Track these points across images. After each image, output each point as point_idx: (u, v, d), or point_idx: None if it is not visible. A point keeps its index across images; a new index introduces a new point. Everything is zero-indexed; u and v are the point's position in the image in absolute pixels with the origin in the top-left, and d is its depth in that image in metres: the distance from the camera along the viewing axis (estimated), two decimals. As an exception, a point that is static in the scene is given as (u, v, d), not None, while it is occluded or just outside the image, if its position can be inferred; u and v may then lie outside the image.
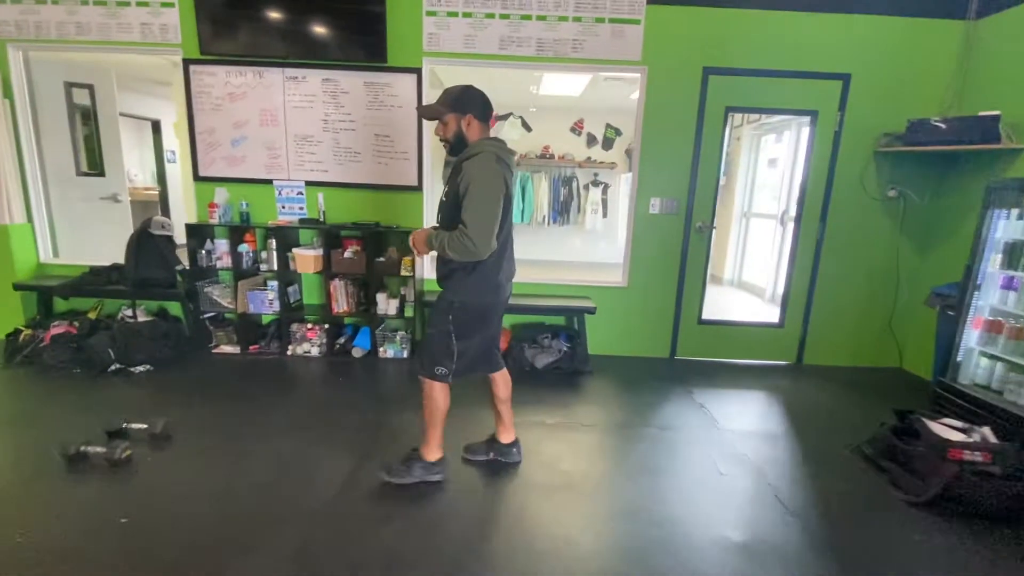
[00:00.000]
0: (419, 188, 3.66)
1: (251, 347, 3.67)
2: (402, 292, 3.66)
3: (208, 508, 1.94)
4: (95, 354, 3.19)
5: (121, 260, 3.61)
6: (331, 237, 3.53)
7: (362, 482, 2.14)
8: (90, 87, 4.08)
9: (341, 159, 3.61)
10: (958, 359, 2.88)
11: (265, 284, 3.58)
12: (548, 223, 7.35)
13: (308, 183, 3.65)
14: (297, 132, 3.58)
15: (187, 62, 3.49)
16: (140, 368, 3.25)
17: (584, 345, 3.57)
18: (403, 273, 3.53)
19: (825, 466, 2.43)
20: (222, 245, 3.61)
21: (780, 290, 5.69)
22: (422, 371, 2.09)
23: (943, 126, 3.10)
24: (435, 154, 3.65)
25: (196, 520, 1.87)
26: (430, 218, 3.74)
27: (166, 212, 7.65)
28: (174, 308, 3.81)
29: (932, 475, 2.19)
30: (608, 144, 7.79)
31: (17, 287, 3.58)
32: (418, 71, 3.48)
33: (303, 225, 3.59)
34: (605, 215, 7.64)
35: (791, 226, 3.80)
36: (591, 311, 3.55)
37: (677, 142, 3.58)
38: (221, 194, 3.57)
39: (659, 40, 3.42)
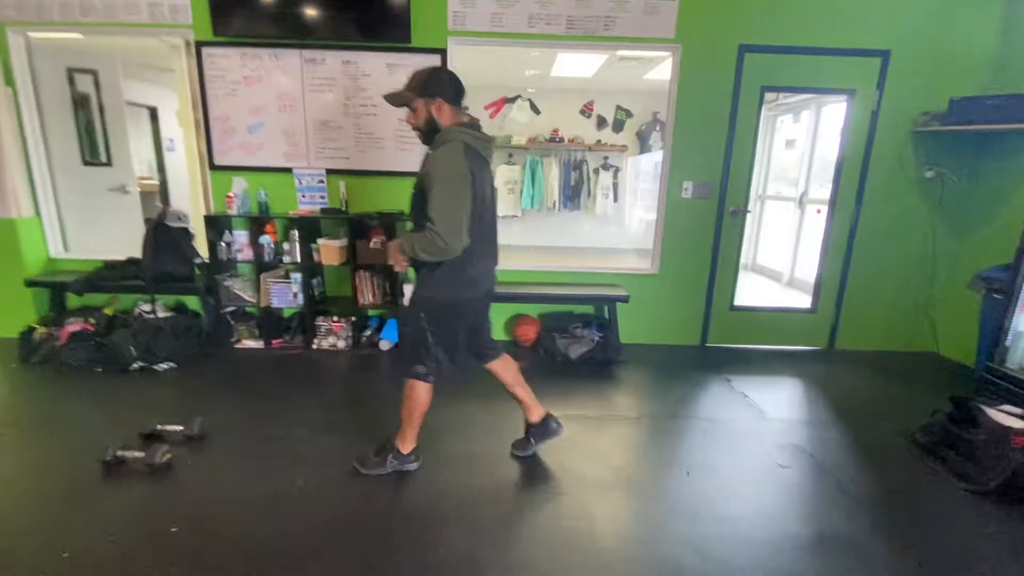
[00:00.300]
0: (444, 175, 3.53)
1: (274, 341, 3.57)
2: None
3: (259, 516, 1.86)
4: (117, 352, 3.08)
5: (135, 254, 3.49)
6: (355, 227, 3.41)
7: (413, 482, 2.06)
8: (94, 73, 3.89)
9: (363, 145, 3.47)
10: (1006, 343, 2.83)
11: (288, 276, 3.46)
12: (559, 208, 7.22)
13: (329, 171, 3.51)
14: (317, 117, 3.43)
15: (199, 44, 3.32)
16: (164, 365, 3.15)
17: (616, 334, 3.50)
18: (430, 263, 3.42)
19: (880, 455, 2.38)
20: (241, 237, 3.48)
21: (798, 274, 5.68)
22: (402, 371, 2.04)
23: (994, 103, 3.00)
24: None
25: (248, 529, 1.79)
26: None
27: (166, 203, 7.47)
28: (192, 303, 3.69)
29: (996, 464, 2.14)
30: (619, 126, 7.64)
31: (29, 283, 3.45)
32: (443, 51, 3.33)
33: (326, 215, 3.46)
34: (616, 199, 7.53)
35: (810, 208, 3.72)
36: (624, 299, 3.46)
37: (711, 123, 3.46)
38: (239, 183, 3.43)
39: (694, 16, 3.28)
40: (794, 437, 2.52)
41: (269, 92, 3.39)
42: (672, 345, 3.79)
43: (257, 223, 3.45)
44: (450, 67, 3.35)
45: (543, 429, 2.28)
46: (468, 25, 3.30)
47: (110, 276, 3.42)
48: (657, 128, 7.53)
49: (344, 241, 3.39)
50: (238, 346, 3.53)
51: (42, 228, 3.61)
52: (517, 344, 3.69)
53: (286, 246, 3.44)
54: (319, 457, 2.22)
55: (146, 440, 2.28)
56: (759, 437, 2.52)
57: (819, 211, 5.39)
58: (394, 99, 1.89)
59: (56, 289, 3.53)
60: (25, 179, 3.49)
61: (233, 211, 3.40)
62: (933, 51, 3.33)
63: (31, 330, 3.32)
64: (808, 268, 5.44)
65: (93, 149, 3.98)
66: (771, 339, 3.85)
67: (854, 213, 3.60)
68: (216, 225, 3.44)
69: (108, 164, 4.06)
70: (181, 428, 2.32)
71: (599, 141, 7.61)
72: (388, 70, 3.36)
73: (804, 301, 4.00)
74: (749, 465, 2.29)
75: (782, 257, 5.73)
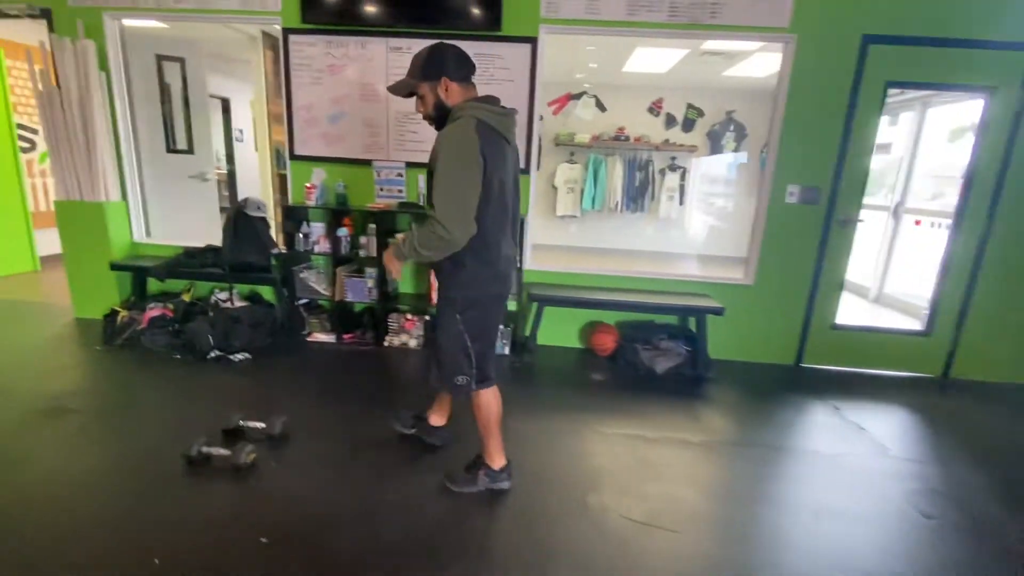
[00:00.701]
0: (526, 171, 3.36)
1: (345, 336, 3.49)
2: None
3: (355, 532, 1.72)
4: (196, 340, 3.06)
5: (212, 241, 3.49)
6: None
7: (505, 503, 1.89)
8: (181, 60, 3.93)
9: (444, 138, 3.33)
10: None
11: (361, 271, 3.37)
12: (621, 210, 6.95)
13: (409, 164, 3.39)
14: (399, 108, 3.32)
15: (286, 32, 3.26)
16: (239, 356, 3.11)
17: (705, 348, 3.23)
18: (509, 264, 3.25)
19: (1041, 510, 2.04)
20: (317, 228, 3.42)
21: (887, 290, 5.21)
22: (441, 384, 1.89)
23: None
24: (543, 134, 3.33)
25: (344, 546, 1.65)
26: (534, 203, 3.45)
27: (234, 192, 7.64)
28: (265, 293, 3.66)
29: None
30: (689, 125, 7.28)
31: (114, 267, 3.50)
32: (533, 40, 3.15)
33: (403, 209, 3.35)
34: (682, 202, 7.20)
35: (906, 219, 3.31)
36: (719, 311, 3.18)
37: (823, 122, 3.14)
38: (318, 175, 3.36)
39: (812, 3, 2.98)
40: (930, 480, 2.21)
41: (352, 81, 3.30)
42: (763, 363, 3.48)
43: (335, 216, 3.37)
44: (540, 58, 3.18)
45: (433, 431, 2.22)
46: (562, 12, 3.10)
47: (190, 263, 3.42)
48: (731, 128, 7.14)
49: (422, 237, 3.26)
50: (309, 339, 3.47)
51: (128, 213, 3.66)
52: (592, 353, 3.48)
53: (362, 240, 3.35)
54: (410, 465, 2.09)
55: (229, 436, 2.20)
56: (886, 478, 2.21)
57: (918, 223, 4.93)
58: (398, 89, 1.77)
59: (138, 273, 3.57)
60: (115, 163, 3.54)
61: (312, 202, 3.34)
62: (1097, 44, 2.90)
63: (114, 313, 3.36)
64: (900, 284, 4.99)
65: (176, 137, 4.02)
66: (873, 363, 3.48)
67: (985, 228, 3.19)
68: (294, 216, 3.38)
69: (190, 152, 4.10)
70: (263, 426, 2.23)
71: (667, 141, 7.29)
72: (475, 60, 3.19)
73: (896, 320, 3.61)
74: (882, 511, 1.99)
75: (869, 271, 5.27)
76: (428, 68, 1.68)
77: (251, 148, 7.55)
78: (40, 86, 3.32)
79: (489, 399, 1.88)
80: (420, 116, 1.82)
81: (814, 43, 3.03)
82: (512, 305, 3.34)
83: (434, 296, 3.34)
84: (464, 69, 1.73)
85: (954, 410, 2.96)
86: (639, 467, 2.19)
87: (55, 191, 3.47)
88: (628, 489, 2.03)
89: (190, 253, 3.51)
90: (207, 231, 4.24)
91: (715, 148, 7.21)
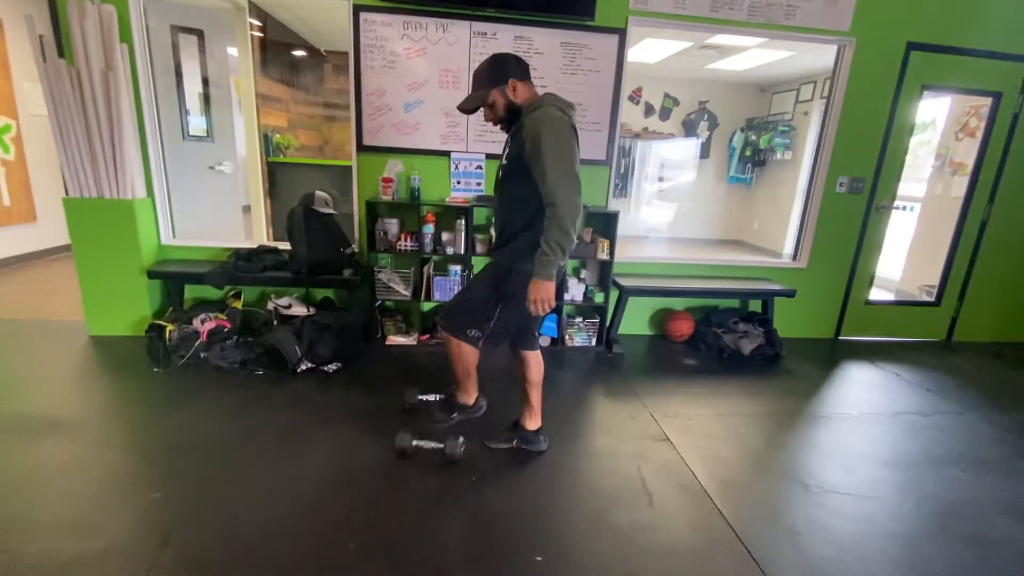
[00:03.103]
0: (607, 162, 3.37)
1: (421, 337, 3.32)
2: (582, 277, 3.43)
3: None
4: (283, 352, 2.75)
5: (237, 239, 3.14)
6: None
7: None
8: (199, 33, 3.41)
9: (527, 129, 3.24)
10: None
11: (447, 269, 3.21)
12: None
13: (489, 156, 3.26)
14: (481, 97, 3.16)
15: (357, 8, 2.96)
16: (331, 366, 2.85)
17: (774, 329, 3.50)
18: (600, 256, 3.28)
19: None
20: (393, 225, 3.19)
21: (880, 272, 5.85)
22: (450, 328, 1.99)
23: None
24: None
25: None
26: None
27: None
28: (330, 295, 3.37)
29: None
30: (665, 114, 7.63)
31: (152, 275, 3.02)
32: (622, 32, 3.14)
33: (481, 203, 3.22)
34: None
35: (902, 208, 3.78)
36: (790, 294, 3.47)
37: (870, 119, 3.48)
38: (395, 167, 3.12)
39: (870, 11, 3.27)
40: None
41: (432, 67, 3.09)
42: (809, 339, 3.84)
43: (413, 211, 3.17)
44: (630, 49, 3.18)
45: (532, 437, 2.15)
46: (651, 5, 3.12)
47: (249, 267, 3.04)
48: (705, 117, 7.58)
49: (514, 232, 3.16)
50: (388, 342, 3.25)
51: (154, 211, 3.16)
52: (668, 339, 3.63)
53: (445, 236, 3.19)
54: (574, 470, 2.09)
55: (401, 456, 2.05)
56: (983, 431, 2.59)
57: (902, 208, 5.58)
58: (471, 103, 1.84)
59: (177, 281, 3.11)
60: (139, 153, 3.03)
61: (388, 197, 3.11)
62: (1076, 58, 3.48)
63: (159, 328, 2.91)
64: (890, 268, 5.61)
65: (191, 122, 3.51)
66: (894, 332, 3.98)
67: (986, 211, 3.75)
68: (371, 212, 3.13)
69: (209, 139, 3.60)
70: (441, 446, 2.09)
71: (646, 129, 7.60)
72: (562, 49, 3.14)
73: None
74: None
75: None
76: (494, 74, 1.79)
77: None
78: (45, 59, 2.74)
79: (470, 352, 2.02)
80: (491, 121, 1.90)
81: (869, 46, 3.33)
82: (598, 297, 3.36)
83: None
84: (524, 69, 1.83)
85: (981, 369, 3.48)
86: (803, 443, 2.36)
87: (68, 187, 2.90)
88: (816, 466, 2.19)
89: (243, 255, 3.11)
90: (232, 229, 3.79)
91: (690, 136, 7.63)
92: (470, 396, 2.26)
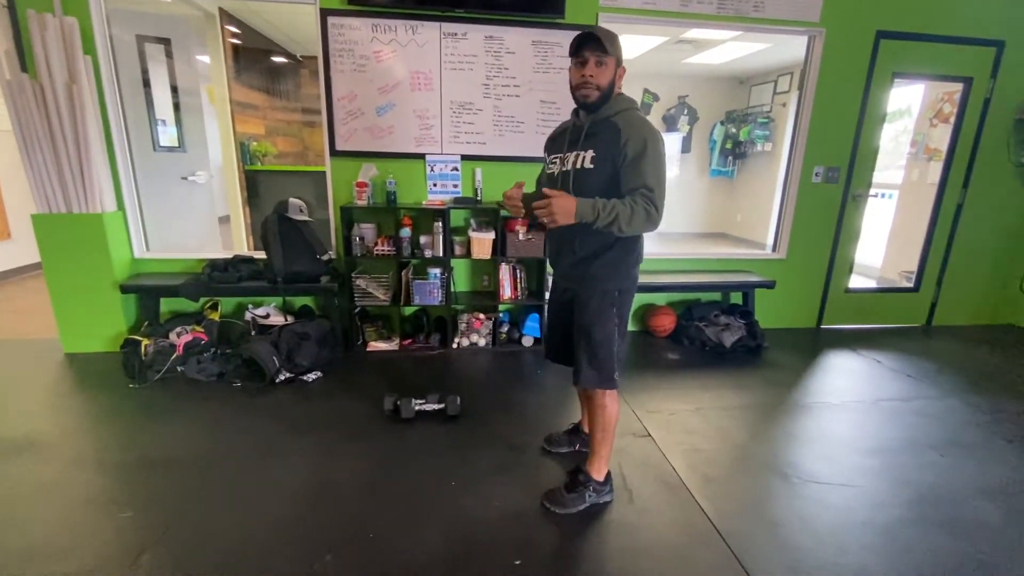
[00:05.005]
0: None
1: (403, 342, 3.30)
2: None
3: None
4: (261, 363, 2.72)
5: (214, 252, 3.11)
6: (495, 218, 3.18)
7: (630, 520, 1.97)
8: (166, 42, 3.36)
9: (502, 129, 3.23)
10: None
11: (426, 272, 3.19)
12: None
13: (464, 157, 3.24)
14: (454, 98, 3.15)
15: (325, 12, 2.93)
16: (312, 376, 2.82)
17: (755, 320, 3.51)
18: (579, 254, 3.26)
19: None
20: (369, 230, 3.17)
21: (859, 259, 5.88)
22: (601, 383, 1.73)
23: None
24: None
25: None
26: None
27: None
28: (308, 303, 3.33)
29: None
30: (646, 110, 7.64)
31: (125, 289, 2.97)
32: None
33: (459, 204, 3.20)
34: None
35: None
36: (770, 285, 3.48)
37: (843, 109, 3.51)
38: (369, 171, 3.09)
39: (838, 0, 3.28)
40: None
41: (403, 69, 3.07)
42: (793, 328, 3.87)
43: (389, 215, 3.14)
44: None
45: (588, 441, 1.98)
46: (620, 2, 3.12)
47: (224, 278, 3.00)
48: (685, 112, 7.61)
49: (492, 234, 3.15)
50: (368, 349, 3.23)
51: (126, 223, 3.11)
52: (651, 335, 3.63)
53: (423, 239, 3.16)
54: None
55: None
56: (963, 415, 2.62)
57: (880, 196, 5.63)
58: (607, 38, 1.56)
59: (153, 295, 3.07)
60: (108, 165, 2.98)
61: (363, 202, 3.08)
62: (1042, 42, 3.52)
63: (134, 343, 2.87)
64: (871, 255, 5.65)
65: (162, 133, 3.46)
66: (875, 319, 4.01)
67: (960, 196, 3.79)
68: (345, 217, 3.10)
69: (181, 149, 3.55)
70: (441, 406, 2.08)
71: (628, 125, 7.59)
72: (533, 48, 3.13)
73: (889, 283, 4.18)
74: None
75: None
76: (618, 49, 1.60)
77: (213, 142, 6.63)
78: (8, 74, 2.68)
79: (614, 401, 1.80)
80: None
81: (839, 36, 3.35)
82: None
83: (503, 293, 3.26)
84: None
85: (966, 352, 3.52)
86: (785, 433, 2.37)
87: (36, 202, 2.85)
88: (797, 456, 2.20)
89: (218, 266, 3.07)
90: (206, 241, 3.74)
91: (671, 131, 7.65)
92: (603, 470, 1.86)
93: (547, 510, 1.81)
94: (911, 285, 4.04)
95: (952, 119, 3.74)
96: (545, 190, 1.53)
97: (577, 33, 1.58)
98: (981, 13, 3.44)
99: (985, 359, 3.40)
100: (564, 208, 1.48)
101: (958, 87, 3.65)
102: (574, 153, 1.64)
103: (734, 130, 7.33)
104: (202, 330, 2.99)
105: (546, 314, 2.03)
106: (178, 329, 2.96)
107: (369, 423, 2.35)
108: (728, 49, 5.72)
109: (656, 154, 1.53)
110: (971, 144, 3.70)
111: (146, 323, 3.06)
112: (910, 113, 5.04)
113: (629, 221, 1.49)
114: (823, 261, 3.79)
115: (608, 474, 1.88)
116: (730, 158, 7.49)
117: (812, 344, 3.59)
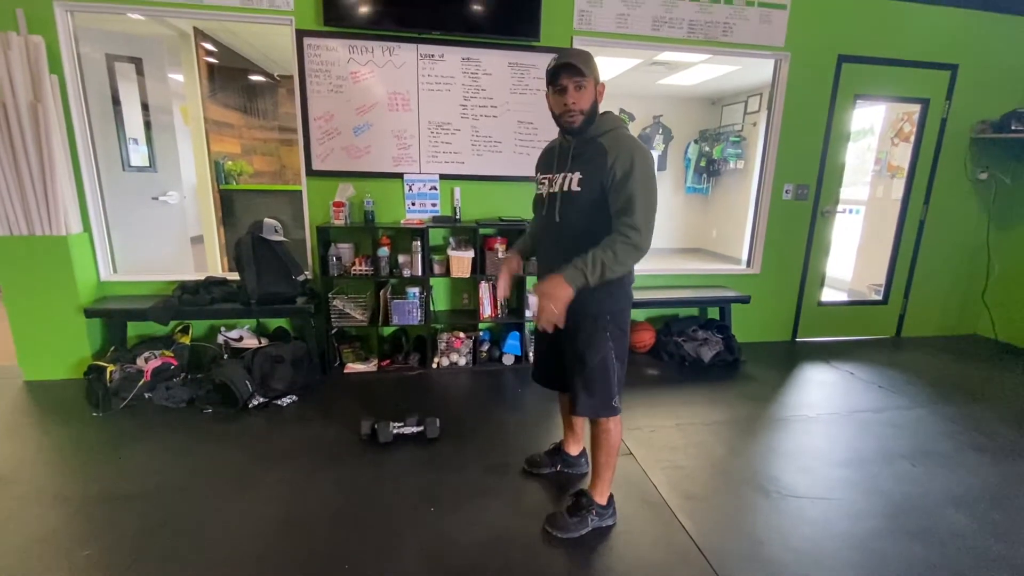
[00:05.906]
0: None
1: (382, 363, 3.25)
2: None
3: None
4: (234, 387, 2.64)
5: (186, 274, 3.04)
6: (474, 237, 3.18)
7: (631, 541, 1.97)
8: (137, 61, 3.32)
9: (480, 149, 3.25)
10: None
11: (404, 292, 3.16)
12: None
13: (443, 176, 3.25)
14: (432, 119, 3.16)
15: (300, 34, 2.93)
16: (286, 400, 2.75)
17: (732, 335, 3.56)
18: (558, 272, 3.28)
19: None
20: (347, 249, 3.14)
21: (829, 272, 6.04)
22: (601, 411, 1.70)
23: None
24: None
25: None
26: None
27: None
28: (284, 324, 3.27)
29: None
30: (622, 129, 7.79)
31: (89, 313, 2.87)
32: (567, 52, 3.20)
33: (437, 223, 3.20)
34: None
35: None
36: (745, 300, 3.54)
37: (809, 129, 3.63)
38: (347, 191, 3.07)
39: (801, 27, 3.42)
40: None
41: (379, 90, 3.08)
42: (768, 342, 3.93)
43: (367, 234, 3.12)
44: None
45: (575, 461, 2.15)
46: (594, 25, 3.20)
47: (196, 300, 2.93)
48: (660, 131, 7.79)
49: (471, 252, 3.15)
50: (346, 371, 3.17)
51: (92, 246, 3.02)
52: (632, 351, 3.63)
53: (402, 259, 3.14)
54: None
55: (363, 489, 1.98)
56: (933, 425, 2.68)
57: (848, 211, 5.80)
58: (581, 61, 1.51)
59: (121, 319, 2.97)
60: (74, 187, 2.90)
61: (340, 221, 3.05)
62: (996, 66, 3.71)
63: (98, 369, 2.77)
64: (842, 269, 5.78)
65: (133, 152, 3.39)
66: (847, 331, 4.11)
67: (923, 211, 3.93)
68: (322, 237, 3.06)
69: (151, 169, 3.48)
70: (420, 429, 2.04)
71: (605, 143, 7.71)
72: (510, 69, 3.18)
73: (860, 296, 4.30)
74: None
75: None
76: (595, 69, 1.55)
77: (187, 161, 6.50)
78: (-32, 92, 2.61)
79: (617, 427, 1.77)
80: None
81: (803, 60, 3.49)
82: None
83: (482, 311, 3.25)
84: None
85: (943, 363, 3.61)
86: (763, 447, 2.39)
87: (-5, 224, 2.75)
88: (776, 470, 2.22)
89: (189, 288, 3.00)
90: (178, 262, 3.66)
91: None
92: (605, 494, 1.83)
93: (549, 534, 1.77)
94: (880, 298, 4.15)
95: (912, 138, 3.91)
96: (529, 294, 1.49)
97: (553, 56, 1.60)
98: (936, 39, 3.62)
99: (951, 369, 3.50)
100: (553, 296, 1.46)
101: (916, 108, 3.82)
102: (561, 175, 1.63)
103: (708, 148, 7.52)
104: (172, 355, 2.90)
105: (534, 341, 2.00)
106: (146, 354, 2.87)
107: (345, 449, 2.30)
108: (700, 71, 5.89)
109: (644, 174, 1.50)
110: (931, 162, 3.86)
111: (112, 348, 2.95)
112: (873, 132, 5.25)
113: (615, 262, 1.47)
114: (796, 275, 3.88)
115: (611, 497, 1.86)
116: (704, 175, 7.67)
117: (788, 357, 3.65)
